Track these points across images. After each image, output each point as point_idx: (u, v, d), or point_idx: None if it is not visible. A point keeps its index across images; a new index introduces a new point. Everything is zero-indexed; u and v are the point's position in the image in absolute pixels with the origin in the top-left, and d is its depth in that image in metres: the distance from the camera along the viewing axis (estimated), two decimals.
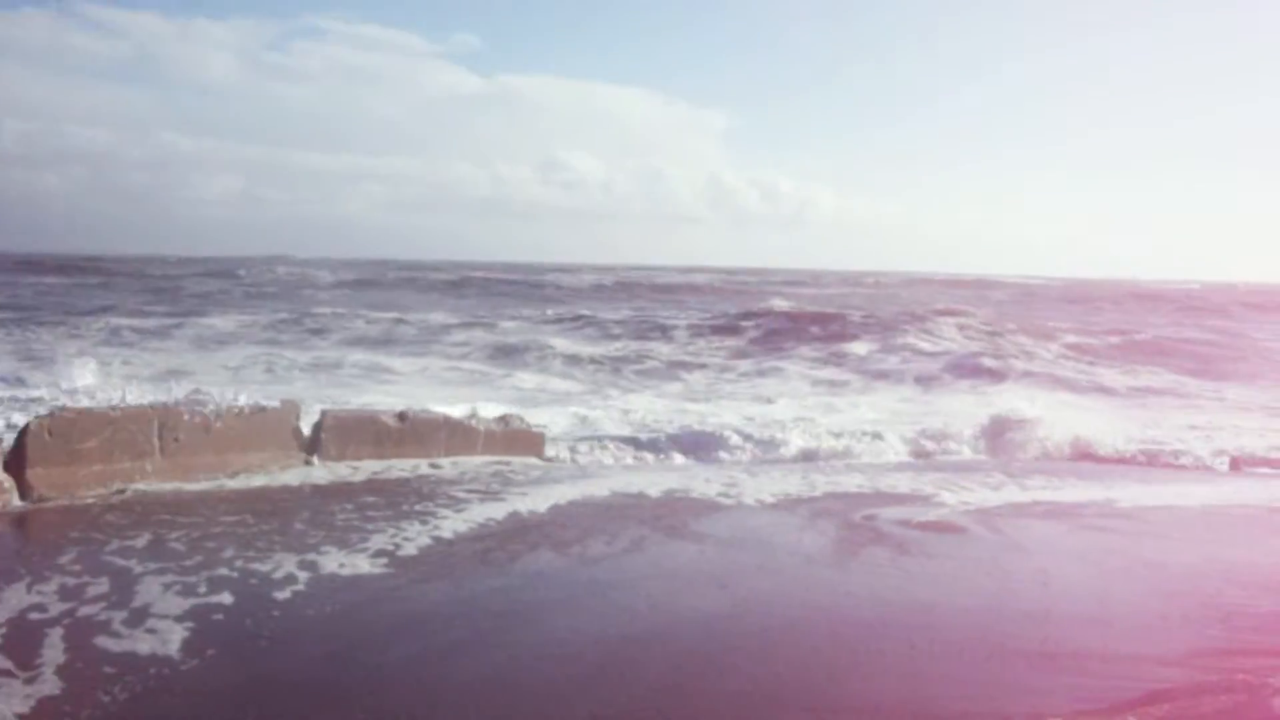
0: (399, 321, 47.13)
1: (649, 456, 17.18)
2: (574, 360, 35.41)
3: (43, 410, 13.39)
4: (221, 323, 44.64)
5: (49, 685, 6.54)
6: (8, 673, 6.69)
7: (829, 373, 33.89)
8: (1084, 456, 18.47)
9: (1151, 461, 18.37)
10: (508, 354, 36.91)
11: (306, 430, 14.00)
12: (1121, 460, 18.32)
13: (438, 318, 49.99)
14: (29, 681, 6.58)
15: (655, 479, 14.08)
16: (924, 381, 32.38)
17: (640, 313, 58.44)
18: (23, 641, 7.22)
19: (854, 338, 42.38)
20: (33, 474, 11.42)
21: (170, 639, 7.38)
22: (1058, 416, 20.16)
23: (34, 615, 7.76)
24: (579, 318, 52.86)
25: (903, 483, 14.14)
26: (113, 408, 12.43)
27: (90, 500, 11.42)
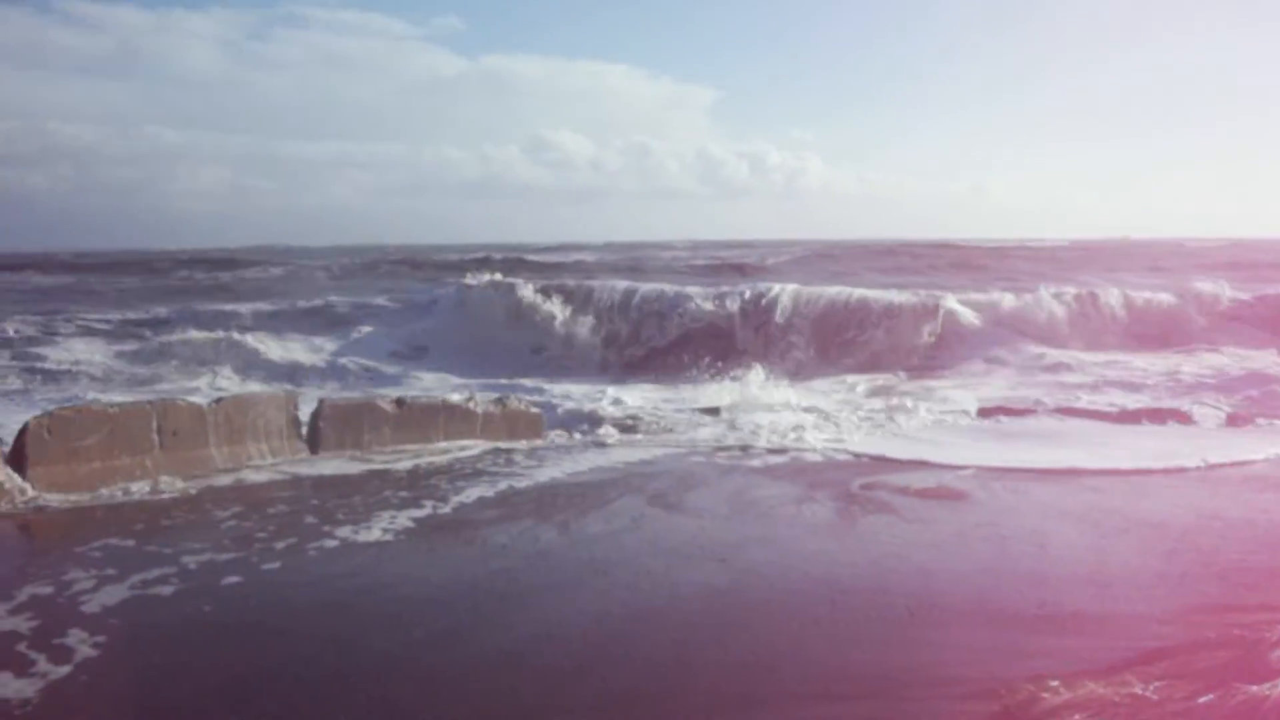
0: None
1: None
2: None
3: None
4: None
5: (69, 667, 6.59)
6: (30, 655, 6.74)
7: None
8: None
9: None
10: None
11: (305, 419, 14.02)
12: None
13: None
14: (56, 661, 6.64)
15: (650, 454, 14.15)
16: None
17: None
18: (48, 626, 7.28)
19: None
20: (33, 473, 11.43)
21: (170, 633, 7.44)
22: None
23: (46, 603, 7.80)
24: None
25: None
26: (111, 404, 12.45)
27: (91, 499, 11.44)
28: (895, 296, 29.01)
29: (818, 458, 13.93)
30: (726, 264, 56.98)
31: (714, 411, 18.16)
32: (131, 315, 33.01)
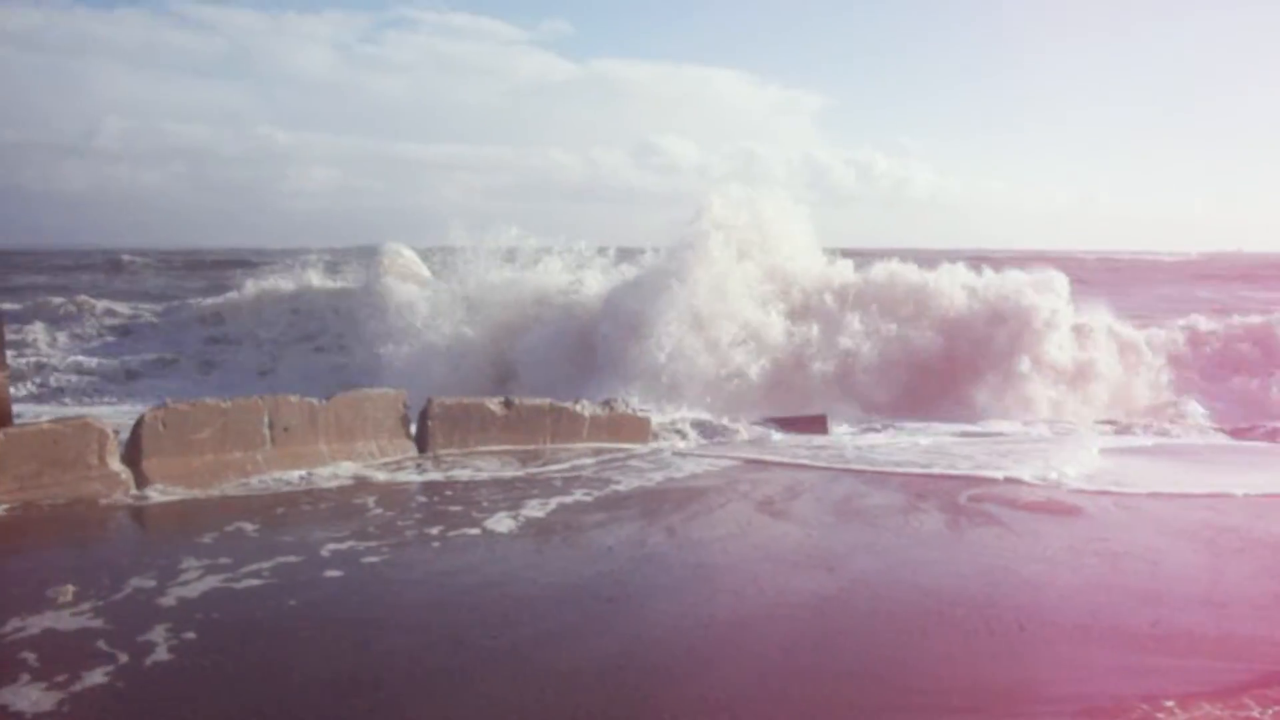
0: None
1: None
2: None
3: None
4: None
5: (175, 655, 6.70)
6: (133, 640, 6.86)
7: None
8: None
9: None
10: None
11: (414, 418, 14.14)
12: None
13: None
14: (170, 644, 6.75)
15: (756, 458, 14.09)
16: None
17: None
18: (155, 614, 7.40)
19: None
20: (147, 464, 11.67)
21: (277, 626, 7.53)
22: None
23: (154, 592, 7.95)
24: None
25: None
26: (224, 399, 12.65)
27: (203, 492, 11.63)
28: None
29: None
30: None
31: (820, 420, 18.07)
32: None
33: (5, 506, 10.64)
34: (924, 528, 10.57)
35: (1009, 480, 12.79)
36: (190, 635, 7.21)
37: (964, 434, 17.68)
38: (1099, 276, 54.89)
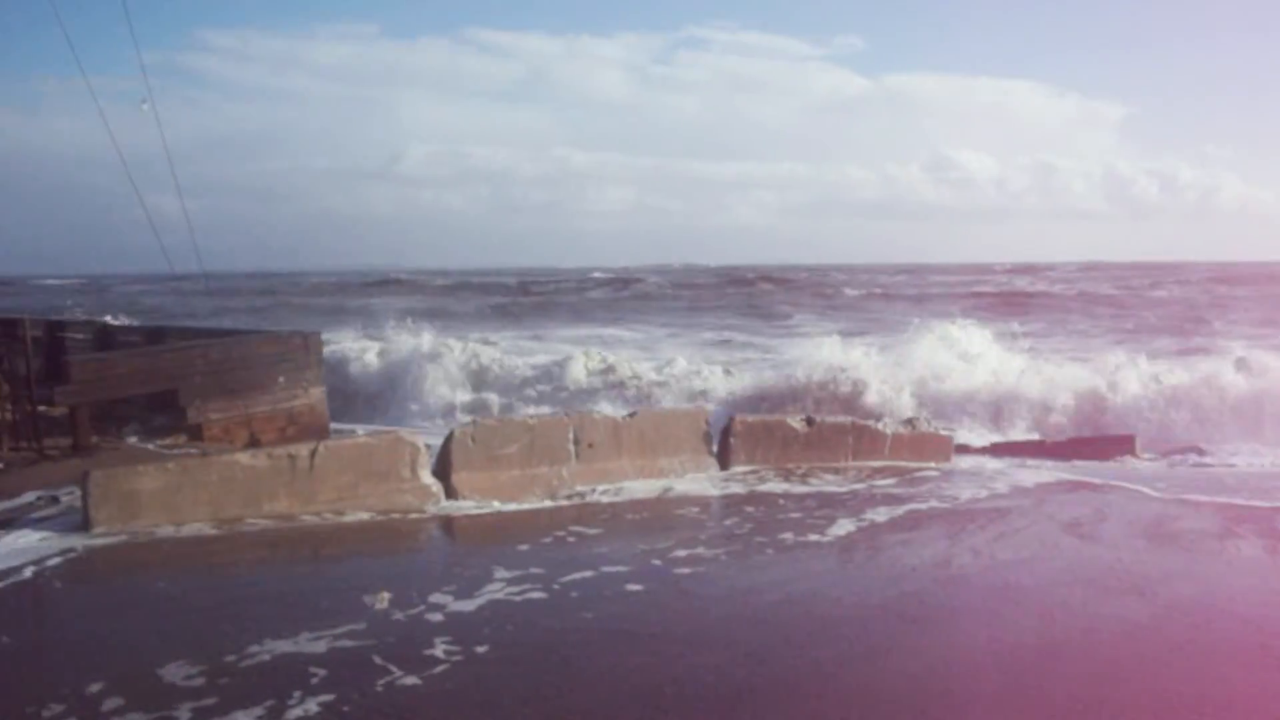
0: None
1: None
2: None
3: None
4: None
5: (476, 664, 6.95)
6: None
7: None
8: None
9: None
10: None
11: (715, 435, 14.27)
12: None
13: None
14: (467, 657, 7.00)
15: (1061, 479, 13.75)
16: None
17: None
18: (459, 622, 7.66)
19: None
20: (457, 478, 12.13)
21: (580, 638, 7.71)
22: None
23: (459, 600, 8.25)
24: None
25: None
26: (530, 415, 13.03)
27: (510, 505, 12.00)
28: None
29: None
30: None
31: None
32: None
33: (323, 516, 11.19)
34: (1242, 554, 10.12)
35: None
36: (487, 647, 7.41)
37: None
38: None
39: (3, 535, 10.37)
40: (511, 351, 33.42)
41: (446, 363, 30.08)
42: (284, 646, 7.31)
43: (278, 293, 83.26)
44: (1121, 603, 8.47)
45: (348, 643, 7.43)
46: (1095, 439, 17.99)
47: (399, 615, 8.05)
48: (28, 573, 9.21)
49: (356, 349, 31.87)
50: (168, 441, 16.33)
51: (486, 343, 34.00)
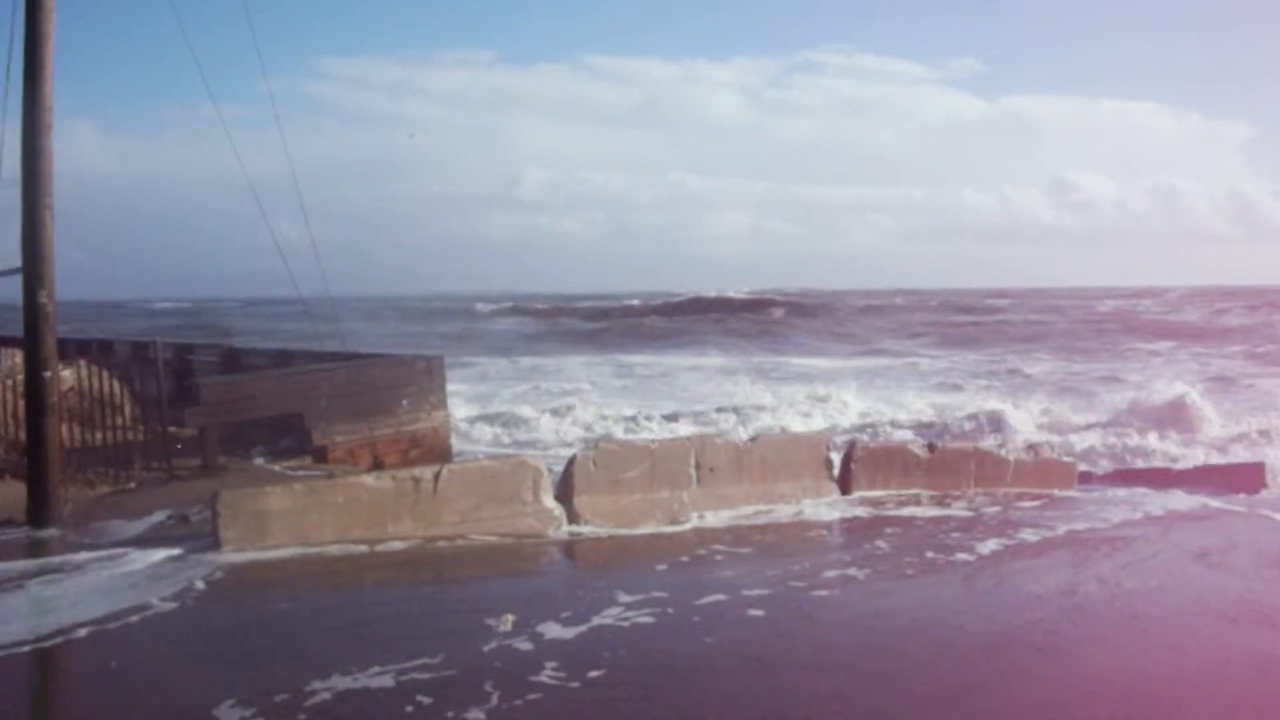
0: None
1: None
2: None
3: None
4: None
5: (592, 689, 6.98)
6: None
7: None
8: None
9: None
10: None
11: (836, 460, 14.24)
12: None
13: None
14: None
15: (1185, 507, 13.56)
16: None
17: None
18: (579, 645, 7.74)
19: None
20: (578, 502, 12.22)
21: (702, 661, 7.72)
22: None
23: (578, 621, 8.34)
24: None
25: None
26: (652, 440, 13.10)
27: (631, 529, 12.08)
28: None
29: None
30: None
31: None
32: None
33: (446, 539, 11.33)
34: None
35: None
36: (603, 671, 7.39)
37: None
38: None
39: (135, 553, 10.67)
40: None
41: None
42: (407, 667, 7.35)
43: (397, 316, 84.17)
44: (1254, 635, 8.34)
45: (467, 664, 7.48)
46: (1223, 467, 17.66)
47: (519, 637, 8.06)
48: (158, 591, 9.45)
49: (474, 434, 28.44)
50: (293, 463, 16.66)
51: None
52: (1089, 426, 26.12)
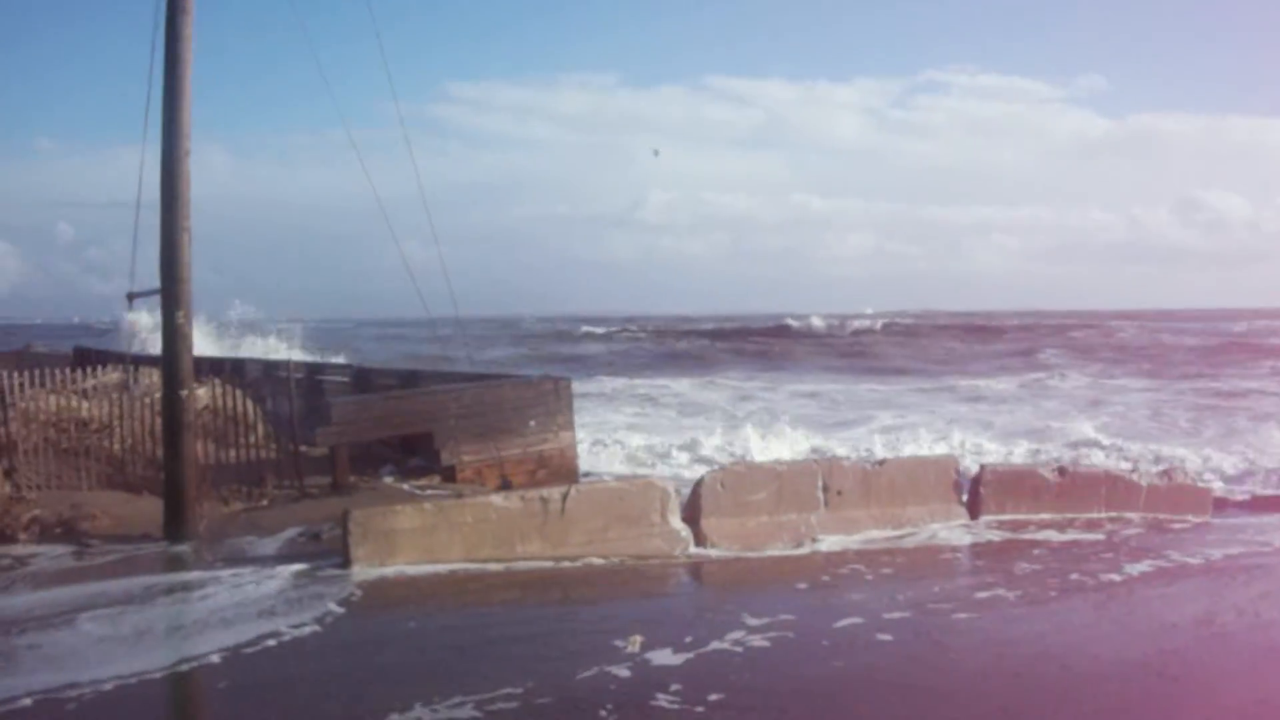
0: None
1: None
2: None
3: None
4: None
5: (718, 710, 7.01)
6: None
7: None
8: None
9: None
10: None
11: (965, 484, 14.12)
12: None
13: None
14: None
15: None
16: None
17: None
18: (706, 665, 7.75)
19: None
20: (706, 523, 12.26)
21: (829, 687, 7.71)
22: None
23: (702, 643, 8.40)
24: None
25: None
26: (778, 462, 13.10)
27: (758, 551, 12.08)
28: None
29: None
30: None
31: None
32: None
33: (573, 559, 11.41)
34: None
35: None
36: (727, 694, 7.36)
37: None
38: None
39: (268, 569, 10.91)
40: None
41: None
42: (535, 687, 7.42)
43: (523, 337, 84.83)
44: None
45: (592, 684, 7.55)
46: None
47: (646, 658, 8.12)
48: (290, 607, 9.68)
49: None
50: (422, 482, 16.89)
51: None
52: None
